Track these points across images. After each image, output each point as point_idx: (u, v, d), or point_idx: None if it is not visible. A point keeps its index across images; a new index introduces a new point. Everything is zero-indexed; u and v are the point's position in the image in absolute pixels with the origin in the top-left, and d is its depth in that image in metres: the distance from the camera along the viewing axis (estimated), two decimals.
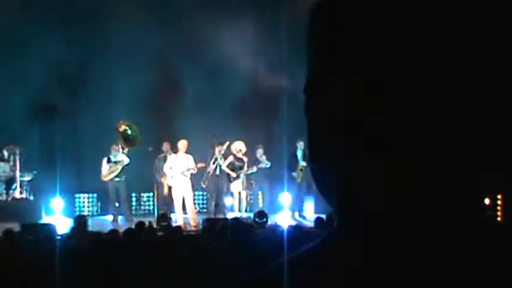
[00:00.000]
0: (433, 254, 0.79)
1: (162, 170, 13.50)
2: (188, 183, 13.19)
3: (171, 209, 13.38)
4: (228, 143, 13.65)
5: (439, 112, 0.78)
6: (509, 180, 0.82)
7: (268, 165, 13.91)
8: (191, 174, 13.29)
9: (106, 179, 13.41)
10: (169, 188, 13.53)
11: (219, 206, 13.16)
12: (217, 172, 13.62)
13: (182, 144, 13.31)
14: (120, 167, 13.35)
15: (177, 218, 12.76)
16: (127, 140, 13.29)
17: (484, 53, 0.79)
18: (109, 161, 13.44)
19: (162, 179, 13.64)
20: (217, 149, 13.65)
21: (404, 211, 0.81)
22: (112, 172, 13.35)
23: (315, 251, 0.92)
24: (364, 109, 0.82)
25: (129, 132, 13.33)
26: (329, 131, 0.87)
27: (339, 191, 0.87)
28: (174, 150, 13.41)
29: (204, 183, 13.73)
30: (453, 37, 0.78)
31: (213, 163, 13.52)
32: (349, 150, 0.84)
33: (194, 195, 13.71)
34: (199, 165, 13.35)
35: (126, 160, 13.35)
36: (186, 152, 13.33)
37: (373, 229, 0.83)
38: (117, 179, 13.40)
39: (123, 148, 13.35)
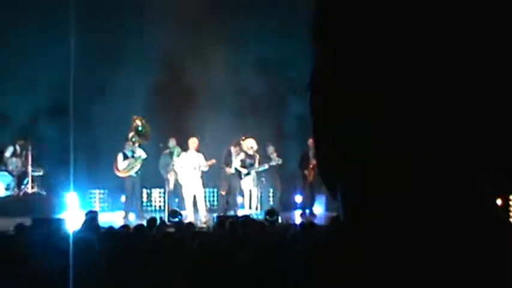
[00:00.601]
0: (429, 250, 0.81)
1: (168, 166, 13.55)
2: (199, 181, 13.24)
3: (181, 206, 13.43)
4: (243, 138, 13.73)
5: (435, 112, 0.80)
6: None
7: (279, 162, 13.90)
8: (202, 171, 13.32)
9: (124, 175, 13.48)
10: (175, 184, 13.59)
11: (229, 204, 13.17)
12: (233, 170, 13.72)
13: (192, 142, 13.34)
14: (139, 163, 13.48)
15: (188, 215, 12.80)
16: (139, 135, 13.45)
17: (483, 54, 0.80)
18: (125, 156, 13.51)
19: (168, 175, 13.68)
20: (233, 149, 13.74)
21: (400, 210, 0.83)
22: (132, 168, 13.47)
23: (324, 246, 0.97)
24: (361, 110, 0.85)
25: (140, 128, 13.46)
26: (327, 130, 0.91)
27: (341, 189, 0.92)
28: (184, 147, 13.41)
29: (221, 189, 13.85)
30: (450, 39, 0.80)
31: (229, 164, 13.63)
32: (346, 150, 0.88)
33: (204, 192, 13.72)
34: (210, 162, 13.37)
35: (144, 155, 13.51)
36: (197, 150, 13.35)
37: (371, 228, 0.86)
38: (134, 174, 13.51)
39: (133, 143, 13.46)
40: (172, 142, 13.80)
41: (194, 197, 13.11)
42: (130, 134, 13.47)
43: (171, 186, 13.70)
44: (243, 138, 13.72)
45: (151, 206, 15.68)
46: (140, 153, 13.52)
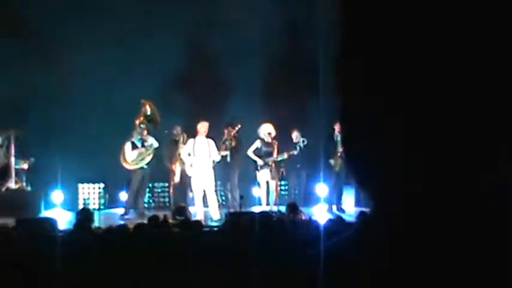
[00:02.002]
0: (447, 249, 0.89)
1: (173, 156, 13.56)
2: (210, 172, 13.15)
3: (188, 201, 13.43)
4: (239, 126, 13.56)
5: (445, 111, 0.88)
6: None
7: (305, 142, 13.83)
8: (213, 161, 13.28)
9: (134, 167, 13.43)
10: (181, 177, 13.58)
11: (243, 199, 13.14)
12: (228, 159, 13.61)
13: (202, 126, 13.19)
14: (152, 153, 13.45)
15: (197, 212, 12.83)
16: (148, 121, 13.42)
17: (485, 53, 0.88)
18: (134, 146, 13.48)
19: (173, 166, 13.71)
20: (226, 132, 13.67)
21: (420, 210, 0.91)
22: (143, 159, 13.39)
23: (354, 246, 1.02)
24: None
25: (148, 113, 13.41)
26: (359, 110, 0.97)
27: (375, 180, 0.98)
28: (193, 133, 13.35)
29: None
30: (455, 38, 0.88)
31: (225, 149, 13.49)
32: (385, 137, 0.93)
33: (216, 185, 13.70)
34: (224, 152, 13.31)
35: (156, 144, 13.46)
36: (207, 136, 13.28)
37: (393, 228, 0.94)
38: (146, 166, 13.51)
39: (142, 131, 13.43)
40: (177, 129, 13.79)
41: (204, 191, 13.07)
42: (138, 121, 13.40)
43: (177, 179, 13.71)
44: (239, 123, 13.61)
45: (154, 202, 15.72)
46: (151, 141, 13.46)
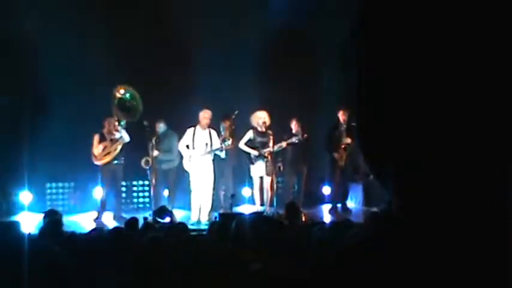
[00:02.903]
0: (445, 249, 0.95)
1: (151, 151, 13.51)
2: (210, 168, 13.21)
3: (172, 202, 13.44)
4: (236, 112, 13.52)
5: (444, 113, 0.94)
6: None
7: (295, 140, 13.74)
8: (215, 155, 13.27)
9: (101, 162, 13.32)
10: (157, 175, 13.54)
11: (235, 197, 13.14)
12: (223, 155, 13.58)
13: (205, 115, 13.22)
14: (119, 147, 13.30)
15: (193, 214, 12.99)
16: (124, 109, 13.10)
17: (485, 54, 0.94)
18: (103, 138, 13.36)
19: (145, 164, 13.67)
20: (222, 125, 13.66)
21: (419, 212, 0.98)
22: (108, 153, 13.23)
23: (362, 250, 1.03)
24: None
25: (127, 96, 13.11)
26: (375, 91, 1.02)
27: (394, 173, 1.01)
28: (190, 124, 13.28)
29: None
30: (455, 38, 0.95)
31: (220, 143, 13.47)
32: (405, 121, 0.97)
33: (215, 183, 13.69)
34: (231, 145, 13.27)
35: (127, 137, 13.25)
36: (210, 126, 13.25)
37: (433, 227, 0.98)
38: (115, 161, 13.38)
39: (119, 121, 13.22)
40: (160, 125, 13.76)
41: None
42: (115, 110, 13.18)
43: (154, 178, 13.67)
44: (236, 112, 13.56)
45: (132, 203, 15.71)
46: (121, 134, 13.30)
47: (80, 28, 14.35)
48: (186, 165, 13.21)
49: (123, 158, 13.45)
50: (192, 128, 13.23)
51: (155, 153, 13.30)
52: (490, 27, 0.95)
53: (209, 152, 13.06)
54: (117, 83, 13.29)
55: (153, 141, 13.38)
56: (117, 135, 13.26)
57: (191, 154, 13.10)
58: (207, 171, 13.14)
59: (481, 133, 0.94)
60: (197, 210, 13.08)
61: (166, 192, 13.99)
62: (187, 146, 13.16)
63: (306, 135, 13.84)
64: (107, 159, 13.27)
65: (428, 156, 0.95)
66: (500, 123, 0.95)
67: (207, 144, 13.09)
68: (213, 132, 13.22)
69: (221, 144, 13.14)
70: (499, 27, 0.95)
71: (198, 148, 13.09)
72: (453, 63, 0.95)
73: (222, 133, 13.53)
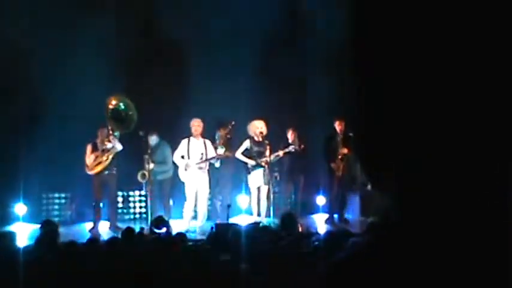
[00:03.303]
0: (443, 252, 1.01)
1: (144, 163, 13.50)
2: (205, 178, 13.19)
3: (168, 213, 13.42)
4: (233, 123, 13.51)
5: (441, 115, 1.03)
6: None
7: (292, 149, 13.74)
8: (210, 165, 13.24)
9: (92, 171, 13.30)
10: (153, 185, 13.51)
11: (231, 207, 13.11)
12: (218, 164, 13.57)
13: (195, 124, 13.18)
14: (110, 157, 13.27)
15: (184, 222, 12.97)
16: (118, 120, 13.03)
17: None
18: (95, 148, 13.34)
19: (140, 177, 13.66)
20: (217, 133, 13.64)
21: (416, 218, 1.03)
22: (100, 163, 13.21)
23: (360, 261, 1.10)
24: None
25: (122, 107, 13.04)
26: None
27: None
28: (183, 135, 13.27)
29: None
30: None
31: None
32: None
33: (211, 193, 13.67)
34: (227, 153, 13.25)
35: (119, 146, 13.21)
36: (203, 136, 13.23)
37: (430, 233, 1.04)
38: (106, 171, 13.34)
39: (112, 131, 13.19)
40: (153, 137, 13.75)
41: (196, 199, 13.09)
42: (109, 121, 13.11)
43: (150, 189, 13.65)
44: (233, 122, 13.55)
45: (128, 213, 15.67)
46: (113, 144, 13.27)
47: (76, 38, 14.33)
48: (182, 175, 13.19)
49: (115, 168, 13.41)
50: (186, 139, 13.21)
51: (151, 165, 13.26)
52: (488, 28, 1.01)
53: (204, 162, 13.05)
54: (113, 92, 13.26)
55: (147, 154, 13.34)
56: (108, 145, 13.24)
57: (187, 163, 13.07)
58: (203, 181, 13.12)
59: (481, 133, 1.00)
60: (188, 219, 13.03)
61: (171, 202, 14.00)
62: (183, 156, 13.13)
63: (302, 145, 13.84)
64: (98, 168, 13.25)
65: (428, 156, 1.00)
66: (500, 123, 0.99)
67: (202, 153, 13.08)
68: (208, 142, 13.22)
69: (216, 152, 13.14)
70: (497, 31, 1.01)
71: (193, 158, 13.07)
72: (452, 65, 1.00)
73: (217, 141, 13.53)
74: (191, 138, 13.17)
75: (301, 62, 15.46)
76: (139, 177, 13.43)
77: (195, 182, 13.04)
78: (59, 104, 14.06)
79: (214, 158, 13.14)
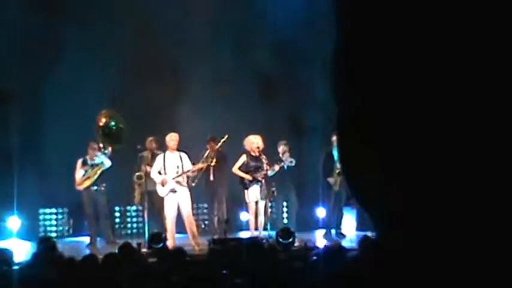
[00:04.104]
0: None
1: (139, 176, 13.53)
2: (185, 192, 13.05)
3: (164, 228, 13.38)
4: (226, 137, 13.47)
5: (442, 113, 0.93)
6: None
7: (292, 163, 13.77)
8: (188, 178, 13.17)
9: (81, 187, 13.33)
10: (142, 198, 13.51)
11: (229, 223, 13.09)
12: (211, 177, 13.57)
13: (172, 138, 13.14)
14: (98, 172, 13.28)
15: (169, 240, 12.60)
16: (109, 135, 13.05)
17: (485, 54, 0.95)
18: (85, 163, 13.37)
19: (136, 186, 13.69)
20: (209, 147, 13.66)
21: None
22: (88, 178, 13.24)
23: (356, 276, 1.10)
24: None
25: (112, 123, 13.05)
26: (355, 116, 1.02)
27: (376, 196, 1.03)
28: (163, 147, 13.30)
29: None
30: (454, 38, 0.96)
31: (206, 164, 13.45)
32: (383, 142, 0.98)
33: (194, 208, 13.58)
34: (198, 166, 13.23)
35: (107, 162, 13.24)
36: (178, 149, 13.18)
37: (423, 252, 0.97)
38: (94, 187, 13.35)
39: (104, 147, 13.21)
40: (150, 144, 13.77)
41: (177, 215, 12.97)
42: (99, 136, 13.15)
43: (136, 200, 13.68)
44: (226, 136, 13.52)
45: (125, 228, 15.65)
46: (101, 159, 13.29)
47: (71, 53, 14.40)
48: (160, 191, 13.10)
49: (104, 185, 13.45)
50: (162, 154, 13.19)
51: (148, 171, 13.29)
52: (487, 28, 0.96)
53: (181, 175, 12.96)
54: (106, 105, 13.36)
55: (146, 165, 13.37)
56: (97, 160, 13.28)
57: (163, 179, 13.00)
58: (183, 196, 12.98)
59: (481, 133, 0.95)
60: (172, 236, 12.86)
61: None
62: (159, 172, 13.07)
63: (292, 160, 13.83)
64: (87, 183, 13.31)
65: (428, 157, 0.97)
66: (500, 123, 0.95)
67: (178, 167, 13.00)
68: (184, 155, 13.11)
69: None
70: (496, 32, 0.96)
71: (169, 172, 13.02)
72: (452, 64, 0.97)
73: (207, 154, 13.53)
74: (167, 152, 13.12)
75: (300, 71, 15.51)
76: (135, 178, 13.52)
77: (174, 197, 12.99)
78: (55, 118, 14.12)
79: (190, 170, 13.09)
